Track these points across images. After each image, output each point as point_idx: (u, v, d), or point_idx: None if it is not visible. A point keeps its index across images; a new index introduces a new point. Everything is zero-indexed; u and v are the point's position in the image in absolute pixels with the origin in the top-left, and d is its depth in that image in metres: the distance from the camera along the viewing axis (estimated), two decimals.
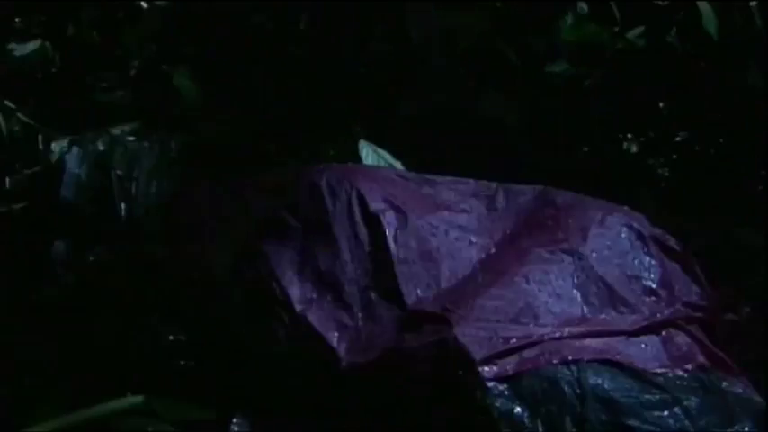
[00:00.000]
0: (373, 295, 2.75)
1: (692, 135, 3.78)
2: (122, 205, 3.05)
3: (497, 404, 2.34)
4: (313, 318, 2.73)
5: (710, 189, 3.70)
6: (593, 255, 2.74)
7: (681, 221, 3.33)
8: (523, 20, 3.85)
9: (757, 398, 2.57)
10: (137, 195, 3.07)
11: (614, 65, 3.77)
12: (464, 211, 2.95)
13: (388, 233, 2.84)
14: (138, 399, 2.77)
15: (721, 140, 3.75)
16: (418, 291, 2.73)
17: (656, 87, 3.80)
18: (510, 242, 2.84)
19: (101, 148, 3.13)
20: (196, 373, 2.84)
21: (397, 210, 2.90)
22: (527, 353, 2.42)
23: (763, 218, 3.55)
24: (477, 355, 2.40)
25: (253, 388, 2.75)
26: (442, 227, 2.88)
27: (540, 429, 2.31)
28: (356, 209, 2.89)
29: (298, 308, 2.74)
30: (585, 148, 3.88)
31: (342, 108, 3.72)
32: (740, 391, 2.54)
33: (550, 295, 2.62)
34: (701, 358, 2.60)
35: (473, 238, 2.87)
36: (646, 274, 2.77)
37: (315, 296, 2.77)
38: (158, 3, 3.55)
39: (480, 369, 2.37)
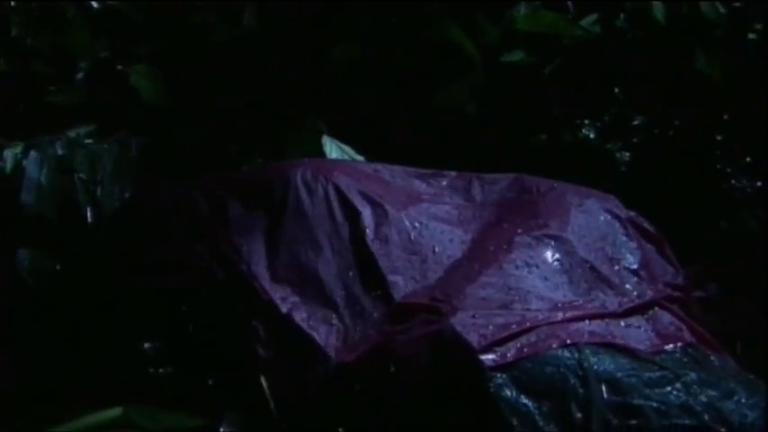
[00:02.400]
0: (358, 291, 2.70)
1: (649, 119, 3.84)
2: (88, 209, 2.92)
3: (501, 392, 2.32)
4: (299, 318, 2.66)
5: (670, 171, 3.77)
6: (576, 239, 2.75)
7: (642, 204, 3.38)
8: (477, 10, 3.85)
9: (744, 371, 2.62)
10: (102, 199, 2.94)
11: (571, 52, 3.80)
12: (442, 202, 2.93)
13: (368, 227, 2.79)
14: (117, 411, 2.65)
15: (677, 122, 3.82)
16: (404, 284, 2.69)
17: (612, 73, 3.85)
18: (491, 230, 2.83)
19: (60, 151, 3.00)
20: (176, 381, 2.75)
21: (376, 203, 2.85)
22: (525, 339, 2.40)
23: (724, 198, 3.63)
24: (476, 343, 2.38)
25: (238, 392, 2.67)
26: (421, 219, 2.85)
27: (546, 415, 2.30)
28: (334, 204, 2.84)
29: (282, 309, 2.67)
30: (543, 136, 3.90)
31: (301, 104, 3.66)
32: (730, 364, 2.58)
33: (539, 280, 2.61)
34: (688, 336, 2.63)
35: (453, 229, 2.85)
36: (627, 256, 2.79)
37: (298, 296, 2.71)
38: (110, 3, 3.41)
39: (481, 357, 2.35)
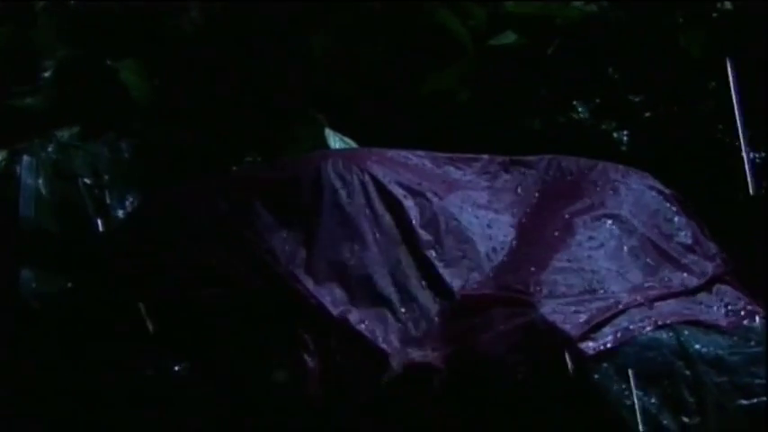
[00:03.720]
0: (412, 285, 2.50)
1: (647, 97, 3.77)
2: (97, 219, 2.56)
3: (606, 382, 2.15)
4: (354, 319, 2.42)
5: (670, 148, 3.71)
6: (632, 217, 2.62)
7: None
8: None
9: None
10: (110, 206, 2.59)
11: (565, 33, 3.69)
12: (480, 188, 2.75)
13: (414, 218, 2.59)
14: None
15: (676, 99, 3.77)
16: (460, 275, 2.50)
17: (603, 53, 3.77)
18: (538, 214, 2.68)
19: (54, 155, 2.62)
20: (215, 404, 2.45)
21: (417, 193, 2.66)
22: (618, 323, 2.25)
23: (729, 174, 3.59)
24: (573, 332, 2.20)
25: (293, 407, 2.40)
26: (465, 206, 2.67)
27: (657, 402, 2.14)
28: (373, 195, 2.62)
29: (335, 311, 2.43)
30: (537, 120, 3.78)
31: (294, 98, 3.41)
32: None
33: (609, 262, 2.48)
34: (756, 308, 2.54)
35: (498, 215, 2.68)
36: (679, 233, 2.69)
37: (348, 295, 2.47)
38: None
39: (581, 347, 2.17)
